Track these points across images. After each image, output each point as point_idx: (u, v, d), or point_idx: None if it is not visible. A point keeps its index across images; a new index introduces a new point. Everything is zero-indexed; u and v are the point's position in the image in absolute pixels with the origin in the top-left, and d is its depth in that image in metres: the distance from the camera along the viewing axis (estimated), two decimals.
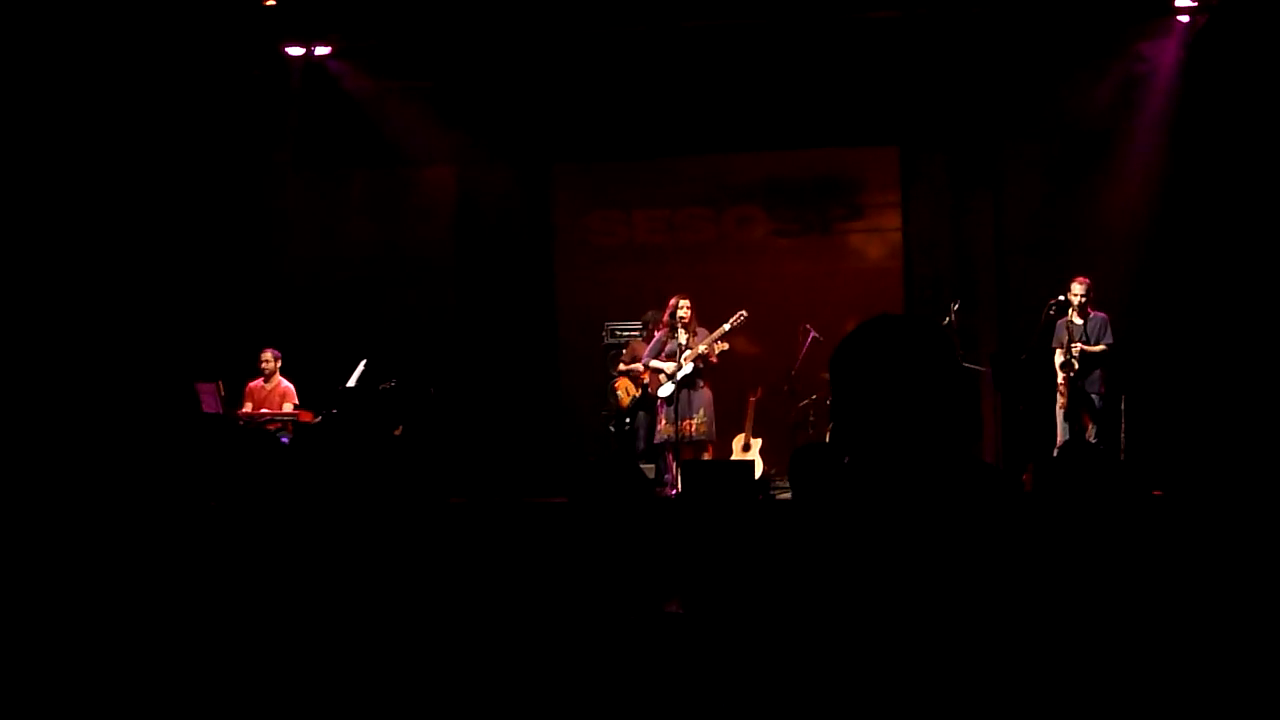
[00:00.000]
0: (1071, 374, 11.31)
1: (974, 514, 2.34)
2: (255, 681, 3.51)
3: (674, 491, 11.33)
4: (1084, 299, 11.42)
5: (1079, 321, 11.42)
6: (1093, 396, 11.39)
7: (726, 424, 12.25)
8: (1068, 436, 11.40)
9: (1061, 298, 11.52)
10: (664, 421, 11.76)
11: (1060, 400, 11.46)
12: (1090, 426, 11.37)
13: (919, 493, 2.36)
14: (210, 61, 13.06)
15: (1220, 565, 4.15)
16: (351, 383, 12.34)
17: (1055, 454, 11.11)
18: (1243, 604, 3.62)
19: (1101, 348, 11.39)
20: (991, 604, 2.29)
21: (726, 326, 11.66)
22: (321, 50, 13.40)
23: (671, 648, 3.17)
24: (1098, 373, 11.45)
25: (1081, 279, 11.48)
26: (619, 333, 13.29)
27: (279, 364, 12.73)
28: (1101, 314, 11.50)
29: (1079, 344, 11.33)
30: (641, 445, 12.38)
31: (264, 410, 12.56)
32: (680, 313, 11.70)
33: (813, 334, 12.54)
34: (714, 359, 11.60)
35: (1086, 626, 2.95)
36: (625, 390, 12.51)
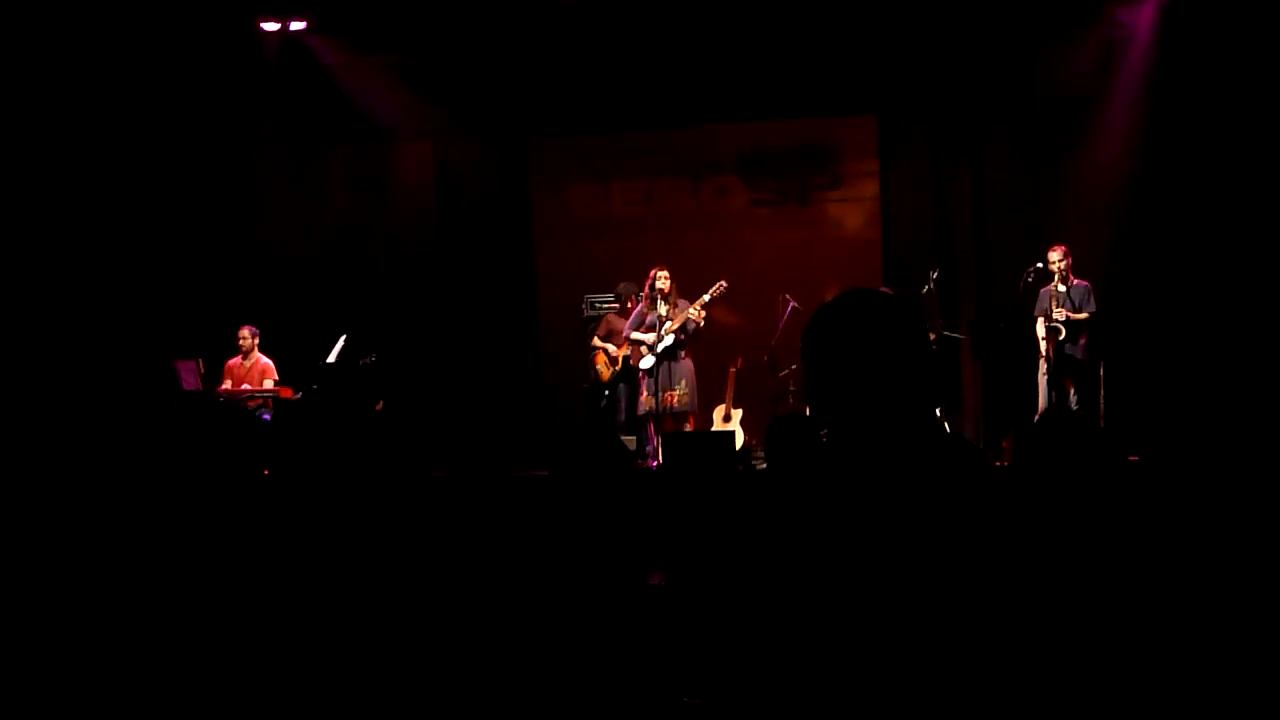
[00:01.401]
0: (1058, 339, 11.35)
1: (948, 486, 2.37)
2: (238, 660, 3.53)
3: (655, 463, 11.36)
4: (1061, 265, 11.45)
5: (1063, 289, 11.45)
6: (1075, 359, 11.43)
7: (707, 395, 12.29)
8: (1051, 401, 11.45)
9: (1039, 265, 11.56)
10: (645, 393, 11.80)
11: (1044, 366, 11.50)
12: (1072, 392, 11.43)
13: (891, 463, 2.40)
14: (185, 36, 12.98)
15: (1194, 528, 4.20)
16: (331, 358, 12.33)
17: (1036, 420, 11.25)
18: (1217, 568, 3.67)
19: (1084, 315, 11.42)
20: (967, 572, 2.32)
21: (706, 297, 11.68)
22: (297, 25, 13.34)
23: (654, 618, 3.20)
24: (1081, 339, 11.50)
25: (1057, 247, 11.52)
26: (599, 305, 13.31)
27: (257, 341, 12.70)
28: (1084, 282, 11.53)
29: (1064, 310, 11.36)
30: (623, 417, 12.41)
31: (244, 387, 12.54)
32: (660, 284, 11.71)
33: (792, 304, 12.57)
34: (701, 324, 11.66)
35: (1062, 593, 2.98)
36: (604, 364, 12.53)
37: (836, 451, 2.48)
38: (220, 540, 3.87)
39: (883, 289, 12.48)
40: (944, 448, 2.44)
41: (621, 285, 12.60)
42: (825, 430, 2.52)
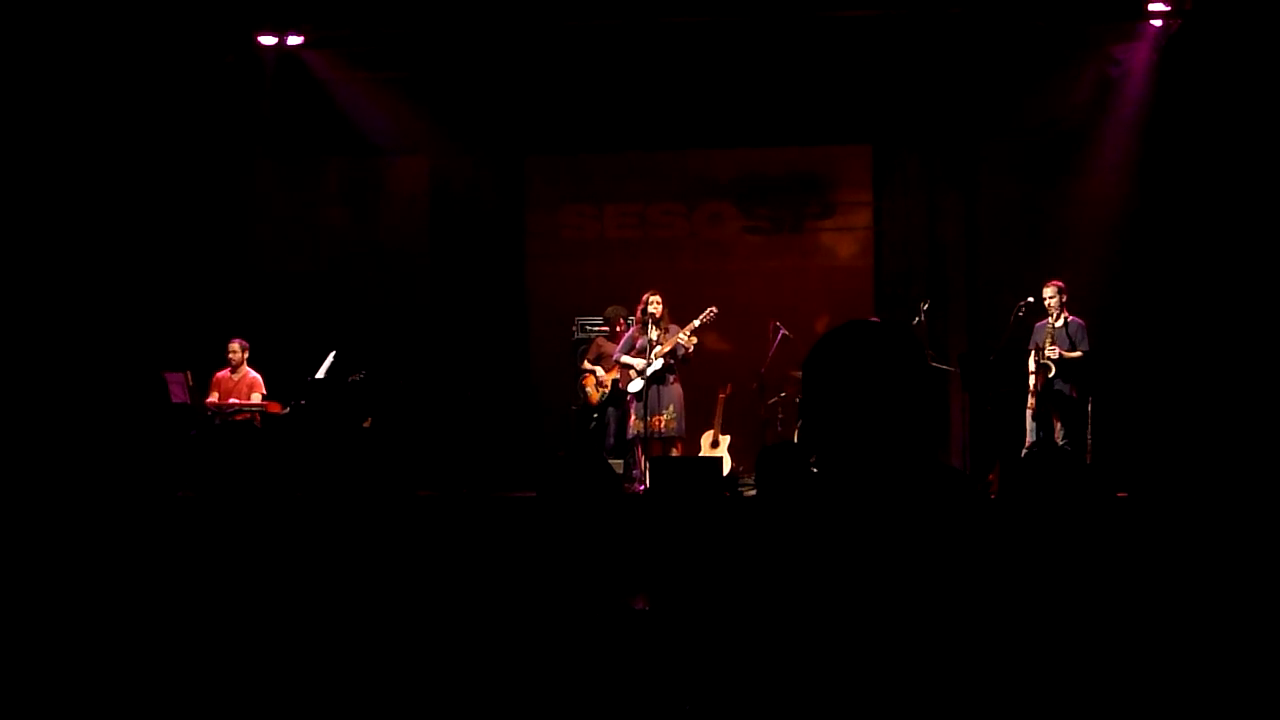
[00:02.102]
0: (1048, 375, 11.33)
1: (937, 516, 2.38)
2: (222, 670, 3.52)
3: (642, 487, 11.35)
4: (1054, 301, 11.45)
5: (1058, 325, 11.43)
6: (1063, 395, 11.40)
7: (696, 420, 12.28)
8: (1036, 437, 11.45)
9: (1032, 299, 11.57)
10: (634, 417, 11.80)
11: (1030, 401, 11.50)
12: (1059, 427, 11.42)
13: (883, 494, 2.40)
14: (182, 49, 12.99)
15: (1183, 565, 4.20)
16: (320, 374, 12.31)
17: (1023, 455, 11.25)
18: (1207, 607, 3.67)
19: (1078, 354, 11.39)
20: (954, 604, 2.32)
21: (696, 322, 11.69)
22: (294, 40, 13.35)
23: (638, 644, 3.19)
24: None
25: (1052, 282, 11.51)
26: (589, 327, 13.31)
27: (246, 354, 12.67)
28: (1079, 320, 11.51)
29: (1057, 348, 11.33)
30: (611, 440, 12.40)
31: (232, 400, 12.51)
32: (651, 308, 11.71)
33: (782, 331, 12.57)
34: (690, 352, 11.65)
35: (1049, 627, 2.98)
36: (593, 387, 12.53)
37: (828, 481, 2.48)
38: (208, 552, 3.86)
39: (872, 319, 12.51)
40: (938, 481, 2.44)
41: (611, 308, 12.61)
42: (815, 459, 2.52)
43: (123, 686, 3.52)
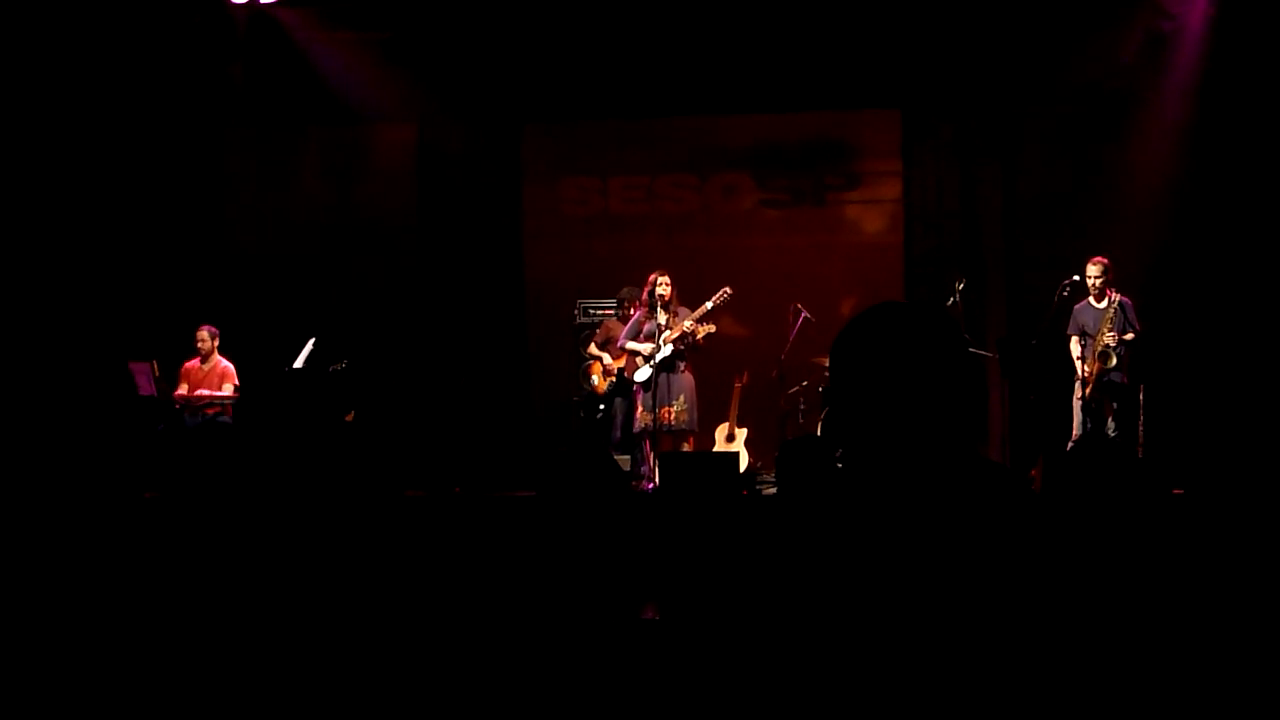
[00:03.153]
0: (1108, 365, 11.28)
1: (977, 516, 2.36)
2: (193, 683, 3.52)
3: (651, 485, 11.35)
4: (1100, 281, 11.41)
5: (1101, 306, 11.39)
6: (1116, 383, 11.36)
7: (710, 412, 12.27)
8: (1086, 428, 11.42)
9: (1076, 278, 11.52)
10: (641, 409, 11.76)
11: (1079, 389, 11.46)
12: (1110, 418, 11.39)
13: (918, 492, 2.38)
14: (145, 9, 12.97)
15: (1244, 569, 4.18)
16: (298, 364, 12.31)
17: (1069, 448, 11.22)
18: (1266, 611, 3.65)
19: (1130, 336, 11.35)
20: (994, 613, 2.31)
21: (709, 305, 11.64)
22: None
23: (646, 658, 3.19)
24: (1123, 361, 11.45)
25: (1097, 260, 11.47)
26: (592, 310, 13.30)
27: (216, 343, 12.67)
28: (1127, 299, 11.46)
29: (1114, 333, 11.28)
30: (617, 434, 12.39)
31: (201, 392, 12.52)
32: (659, 290, 11.67)
33: (804, 314, 12.55)
34: (700, 340, 11.58)
35: (1098, 639, 2.97)
36: (600, 375, 12.52)
37: (856, 478, 2.46)
38: (178, 558, 3.85)
39: (903, 301, 12.50)
40: (977, 477, 2.42)
41: (625, 290, 12.55)
42: (841, 453, 2.51)
43: (85, 700, 3.53)
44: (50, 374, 11.62)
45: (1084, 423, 11.43)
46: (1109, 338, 11.28)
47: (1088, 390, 11.43)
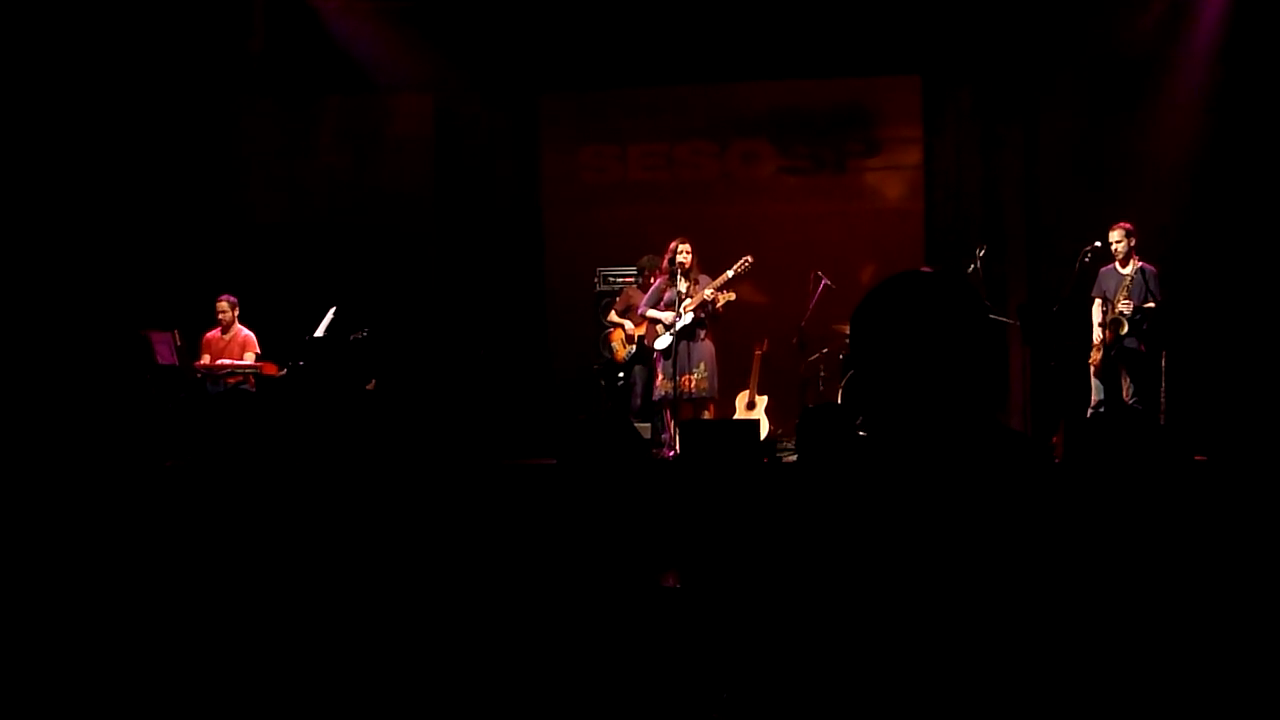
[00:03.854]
0: (1120, 333, 11.24)
1: (998, 484, 2.36)
2: (222, 655, 3.53)
3: (672, 453, 11.35)
4: (1123, 246, 11.35)
5: (1125, 272, 11.34)
6: (1132, 350, 11.32)
7: (730, 379, 12.26)
8: (1101, 396, 11.39)
9: (1098, 243, 11.47)
10: (661, 376, 11.76)
11: (1094, 355, 11.44)
12: (1127, 384, 11.36)
13: (938, 460, 2.38)
14: None
15: (1266, 537, 4.17)
16: (319, 333, 12.33)
17: (1089, 416, 11.20)
18: None
19: (1151, 305, 11.27)
20: (1016, 580, 2.30)
21: (730, 273, 11.62)
22: None
23: (668, 625, 3.19)
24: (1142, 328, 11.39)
25: (1119, 225, 11.42)
26: (612, 279, 13.29)
27: (237, 312, 12.72)
28: (1151, 267, 11.39)
29: (1131, 301, 11.22)
30: (638, 402, 12.40)
31: (223, 361, 12.55)
32: (679, 258, 11.65)
33: (825, 281, 12.51)
34: (720, 309, 11.56)
35: (1121, 608, 2.97)
36: (621, 343, 12.51)
37: (877, 445, 2.46)
38: (201, 528, 3.86)
39: (924, 268, 12.47)
40: (998, 445, 2.42)
41: (646, 258, 12.52)
42: (862, 421, 2.51)
43: (106, 677, 3.54)
44: (70, 345, 11.66)
45: (1100, 389, 11.40)
46: (1124, 305, 11.23)
47: (1097, 356, 11.40)
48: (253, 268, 13.53)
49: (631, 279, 12.87)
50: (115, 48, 13.01)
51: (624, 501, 3.47)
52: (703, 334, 11.70)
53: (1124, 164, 12.97)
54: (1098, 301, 11.49)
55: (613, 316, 12.66)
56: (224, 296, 12.69)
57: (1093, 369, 11.47)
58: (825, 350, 12.58)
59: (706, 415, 11.79)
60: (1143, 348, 11.29)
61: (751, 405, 12.42)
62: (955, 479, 2.35)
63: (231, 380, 12.36)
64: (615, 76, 14.05)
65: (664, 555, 3.56)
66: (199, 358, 12.66)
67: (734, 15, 13.28)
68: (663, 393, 11.77)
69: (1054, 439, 11.26)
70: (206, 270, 13.30)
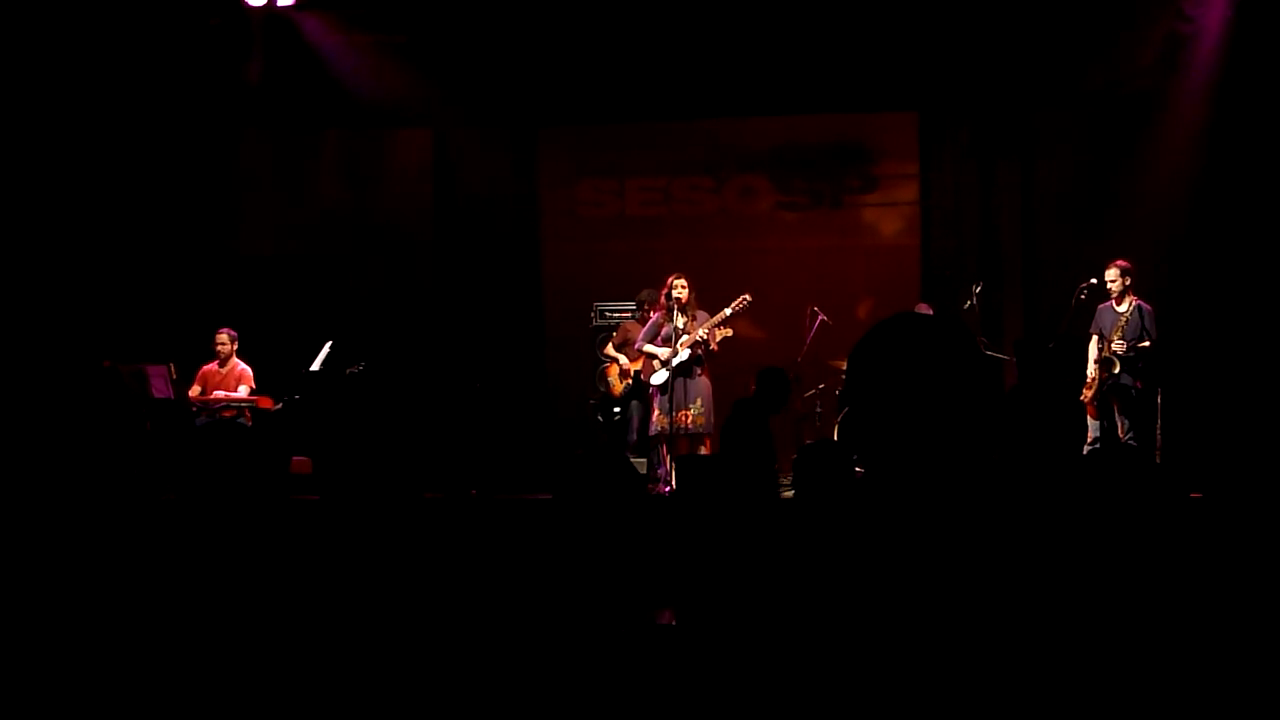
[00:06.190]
0: (1112, 371, 11.23)
1: (993, 521, 2.36)
2: (210, 686, 3.53)
3: (668, 489, 11.33)
4: (1119, 284, 11.35)
5: (1120, 310, 11.33)
6: (1126, 387, 11.31)
7: (726, 415, 12.24)
8: (1097, 434, 11.39)
9: (1094, 281, 11.48)
10: (658, 412, 11.74)
11: (1085, 393, 11.43)
12: (1121, 421, 11.35)
13: (933, 498, 2.39)
14: (163, 11, 12.99)
15: (1262, 572, 4.17)
16: (316, 366, 12.33)
17: (1085, 453, 11.19)
18: None
19: (1145, 344, 11.25)
20: (1015, 616, 2.31)
21: (728, 311, 11.60)
22: (285, 0, 13.35)
23: (663, 663, 3.19)
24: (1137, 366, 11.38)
25: (1116, 263, 11.41)
26: (609, 313, 13.30)
27: (235, 346, 12.69)
28: (1147, 306, 11.38)
29: (1125, 341, 11.21)
30: (634, 437, 12.40)
31: (218, 394, 12.53)
32: (676, 293, 11.65)
33: (821, 317, 12.53)
34: (715, 346, 11.55)
35: (1117, 642, 2.97)
36: (617, 377, 12.52)
37: (873, 482, 2.47)
38: (194, 558, 3.86)
39: (921, 305, 12.49)
40: (994, 483, 2.43)
41: (645, 292, 12.54)
42: (859, 458, 2.53)
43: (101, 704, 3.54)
44: (63, 376, 11.64)
45: (1095, 426, 11.40)
46: (1118, 344, 11.23)
47: (1089, 393, 11.40)
48: (250, 300, 13.53)
49: (629, 313, 12.89)
50: (115, 80, 13.05)
51: (619, 537, 3.47)
52: (699, 370, 11.69)
53: (1119, 201, 13.00)
54: (1095, 338, 11.49)
55: (609, 350, 12.67)
56: (223, 329, 12.66)
57: (1088, 407, 11.46)
58: (821, 386, 12.59)
59: (703, 451, 11.77)
60: (1139, 385, 11.29)
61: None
62: (949, 516, 2.36)
63: (227, 414, 12.33)
64: (614, 111, 14.10)
65: (660, 592, 3.55)
66: (191, 388, 12.60)
67: (733, 51, 13.33)
68: (659, 428, 11.75)
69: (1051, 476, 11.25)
70: (204, 303, 13.30)
